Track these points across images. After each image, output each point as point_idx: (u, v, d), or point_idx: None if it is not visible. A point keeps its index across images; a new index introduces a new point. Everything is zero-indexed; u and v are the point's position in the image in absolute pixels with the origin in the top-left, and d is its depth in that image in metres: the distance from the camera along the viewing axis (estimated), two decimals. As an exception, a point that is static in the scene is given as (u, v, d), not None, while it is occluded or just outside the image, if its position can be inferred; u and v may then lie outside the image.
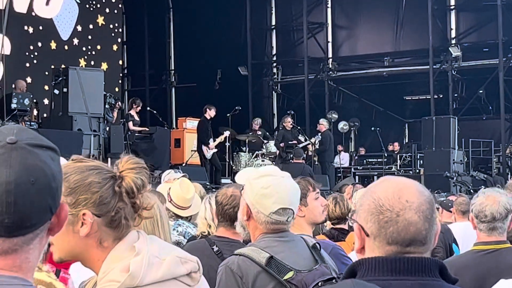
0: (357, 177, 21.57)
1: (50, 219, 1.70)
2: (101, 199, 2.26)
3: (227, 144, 19.58)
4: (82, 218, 2.25)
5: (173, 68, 27.51)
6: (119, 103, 20.07)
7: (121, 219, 2.27)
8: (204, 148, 18.78)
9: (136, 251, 2.25)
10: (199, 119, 19.95)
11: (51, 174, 1.67)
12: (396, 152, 22.99)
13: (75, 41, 23.29)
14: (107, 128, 17.77)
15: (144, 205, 2.32)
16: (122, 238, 2.29)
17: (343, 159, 23.09)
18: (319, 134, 20.37)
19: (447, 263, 4.91)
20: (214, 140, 19.05)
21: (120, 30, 25.83)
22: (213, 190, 8.35)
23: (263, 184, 3.55)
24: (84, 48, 23.58)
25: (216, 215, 4.69)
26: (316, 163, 20.62)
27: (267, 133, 21.46)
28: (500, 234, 4.55)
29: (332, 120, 23.59)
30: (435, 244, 2.30)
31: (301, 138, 20.56)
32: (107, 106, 17.90)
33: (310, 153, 20.79)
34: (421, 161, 21.63)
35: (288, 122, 20.47)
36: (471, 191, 18.09)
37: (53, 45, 22.60)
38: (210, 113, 18.80)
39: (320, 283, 3.47)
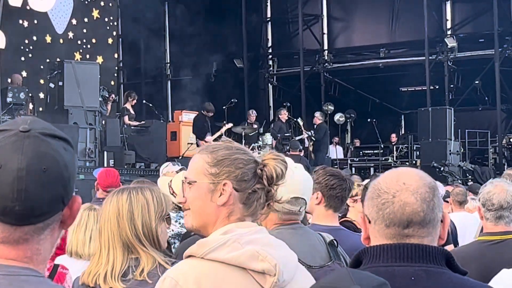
0: (353, 168, 21.55)
1: (62, 210, 1.69)
2: (242, 176, 2.44)
3: (224, 137, 19.57)
4: (222, 188, 2.45)
5: (168, 61, 27.45)
6: (113, 95, 20.04)
7: (255, 200, 2.45)
8: (200, 142, 18.74)
9: (226, 230, 2.39)
10: (195, 112, 19.93)
11: (63, 164, 1.66)
12: (393, 144, 22.98)
13: (70, 34, 23.23)
14: (103, 122, 17.76)
15: (276, 198, 2.49)
16: (245, 219, 2.45)
17: (338, 151, 23.08)
18: (315, 127, 20.47)
19: (452, 254, 4.90)
20: (213, 134, 19.00)
21: (115, 23, 25.79)
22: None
23: None
24: (79, 42, 23.53)
25: None
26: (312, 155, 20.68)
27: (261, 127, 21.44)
28: (506, 223, 4.53)
29: (328, 112, 23.58)
30: (445, 235, 2.29)
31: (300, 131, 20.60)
32: (100, 99, 17.87)
33: (306, 145, 20.82)
34: (418, 152, 21.62)
35: (284, 114, 20.51)
36: (459, 181, 18.11)
37: (48, 38, 22.55)
38: (208, 113, 18.92)
39: None
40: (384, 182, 2.25)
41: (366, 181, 7.36)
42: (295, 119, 21.19)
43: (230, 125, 19.43)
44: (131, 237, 3.37)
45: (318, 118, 20.80)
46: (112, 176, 7.56)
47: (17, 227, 1.63)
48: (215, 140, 18.95)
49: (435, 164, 19.15)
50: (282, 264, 2.35)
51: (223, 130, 19.27)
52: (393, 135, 23.47)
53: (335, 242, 3.71)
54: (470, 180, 18.91)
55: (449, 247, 6.86)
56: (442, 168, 19.16)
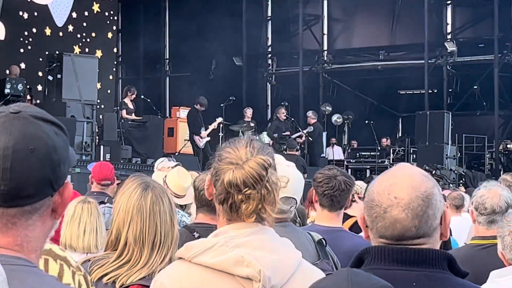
0: (349, 170, 21.52)
1: (52, 195, 1.66)
2: (216, 173, 2.42)
3: (220, 134, 19.53)
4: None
5: (167, 57, 27.43)
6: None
7: (223, 202, 2.39)
8: (196, 137, 18.77)
9: (218, 232, 2.40)
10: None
11: (52, 146, 1.64)
12: (388, 146, 22.94)
13: (70, 27, 23.22)
14: (101, 116, 17.73)
15: (243, 206, 2.37)
16: (233, 222, 2.40)
17: (336, 152, 23.06)
18: (310, 126, 20.45)
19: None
20: (206, 129, 19.02)
21: (116, 17, 25.77)
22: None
23: None
24: (78, 35, 23.51)
25: (194, 201, 4.65)
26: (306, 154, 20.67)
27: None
28: (499, 228, 4.50)
29: (326, 113, 23.55)
30: (447, 233, 2.25)
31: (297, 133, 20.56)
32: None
33: (302, 145, 20.79)
34: (414, 156, 21.63)
35: (282, 113, 20.48)
36: (450, 185, 18.15)
37: (47, 31, 22.53)
38: (200, 107, 18.91)
39: None
40: (377, 193, 2.20)
41: None
42: (292, 119, 21.17)
43: (220, 119, 19.39)
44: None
45: (311, 118, 20.72)
46: (106, 169, 7.53)
47: (4, 209, 1.61)
48: (209, 134, 18.96)
49: (426, 168, 19.19)
50: (271, 269, 2.32)
51: (214, 124, 19.20)
52: (384, 139, 23.29)
53: (323, 241, 3.70)
54: (461, 185, 18.96)
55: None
56: (434, 172, 19.20)
